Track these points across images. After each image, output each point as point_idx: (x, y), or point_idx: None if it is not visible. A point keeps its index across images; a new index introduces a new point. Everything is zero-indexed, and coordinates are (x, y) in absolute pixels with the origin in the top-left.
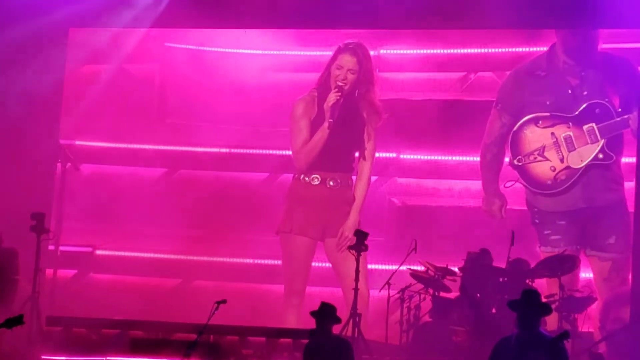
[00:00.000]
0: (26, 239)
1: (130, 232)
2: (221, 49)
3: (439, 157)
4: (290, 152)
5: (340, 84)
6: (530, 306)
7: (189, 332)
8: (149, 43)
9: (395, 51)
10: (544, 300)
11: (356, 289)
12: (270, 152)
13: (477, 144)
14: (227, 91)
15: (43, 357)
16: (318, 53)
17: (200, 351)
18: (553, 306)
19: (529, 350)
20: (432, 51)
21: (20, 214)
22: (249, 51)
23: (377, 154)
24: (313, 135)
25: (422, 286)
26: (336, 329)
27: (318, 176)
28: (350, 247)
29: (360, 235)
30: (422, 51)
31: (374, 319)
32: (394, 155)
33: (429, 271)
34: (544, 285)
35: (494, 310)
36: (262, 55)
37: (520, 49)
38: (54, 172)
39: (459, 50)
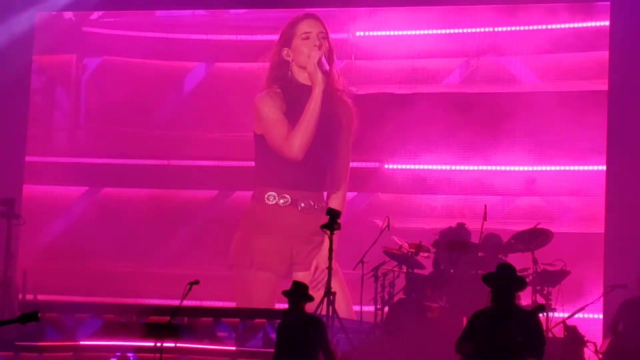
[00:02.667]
0: None
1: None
2: (154, 34)
3: (432, 167)
4: (254, 163)
5: (317, 51)
6: (504, 280)
7: (163, 315)
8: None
9: (373, 33)
10: (518, 274)
11: (329, 268)
12: (218, 163)
13: (480, 149)
14: (159, 88)
15: (16, 343)
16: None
17: (174, 333)
18: (527, 280)
19: (504, 323)
20: (420, 32)
21: None
22: (187, 36)
23: (354, 164)
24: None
25: (395, 263)
26: (310, 308)
27: (288, 196)
28: (322, 226)
29: (333, 214)
30: (406, 32)
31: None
32: (376, 165)
33: (402, 248)
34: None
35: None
36: (200, 41)
37: (538, 26)
38: (24, 158)
39: (455, 31)
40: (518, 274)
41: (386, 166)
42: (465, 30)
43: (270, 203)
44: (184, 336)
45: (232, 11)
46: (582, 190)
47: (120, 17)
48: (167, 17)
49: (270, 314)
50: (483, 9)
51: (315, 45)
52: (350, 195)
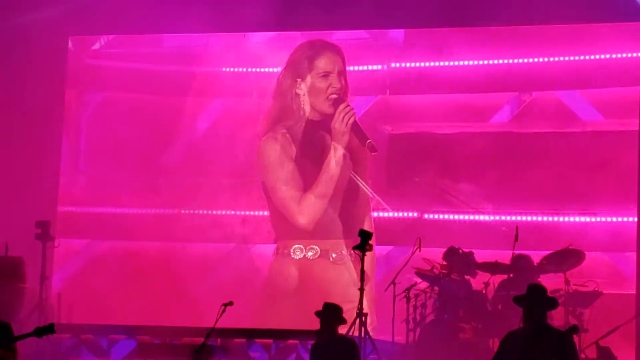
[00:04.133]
0: (32, 248)
1: None
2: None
3: (481, 217)
4: (268, 213)
5: (334, 96)
6: (536, 300)
7: (197, 336)
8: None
9: (410, 64)
10: (549, 295)
11: (361, 289)
12: (228, 212)
13: (534, 195)
14: (168, 127)
15: None
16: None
17: (208, 354)
18: (559, 301)
19: (537, 345)
20: (464, 63)
21: (25, 222)
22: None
23: (393, 214)
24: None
25: (427, 284)
26: (343, 330)
27: (317, 247)
28: (354, 248)
29: (365, 235)
30: (448, 63)
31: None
32: (415, 214)
33: (434, 269)
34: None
35: (499, 306)
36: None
37: (601, 56)
38: (58, 180)
39: (505, 61)
40: (550, 294)
41: (426, 216)
42: (516, 61)
43: (297, 257)
44: (217, 357)
45: (248, 39)
46: None
47: (124, 48)
48: (177, 47)
49: (303, 335)
50: (537, 34)
51: (348, 108)
52: (385, 249)
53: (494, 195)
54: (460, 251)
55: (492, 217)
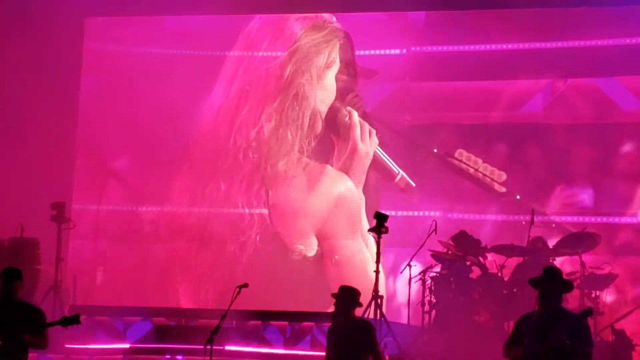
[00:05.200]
0: (47, 229)
1: None
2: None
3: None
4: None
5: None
6: (551, 283)
7: (212, 318)
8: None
9: (433, 47)
10: (565, 277)
11: (377, 271)
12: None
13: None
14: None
15: (67, 345)
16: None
17: (223, 336)
18: (575, 284)
19: (551, 327)
20: (491, 46)
21: (41, 204)
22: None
23: (409, 213)
24: None
25: (442, 267)
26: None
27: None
28: (370, 230)
29: (380, 218)
30: (475, 46)
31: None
32: (437, 214)
33: (450, 251)
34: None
35: (515, 289)
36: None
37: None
38: (74, 162)
39: (540, 44)
40: (566, 277)
41: (449, 215)
42: (549, 44)
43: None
44: (233, 339)
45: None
46: None
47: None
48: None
49: (318, 317)
50: (573, 15)
51: (370, 132)
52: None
53: (524, 193)
54: (471, 237)
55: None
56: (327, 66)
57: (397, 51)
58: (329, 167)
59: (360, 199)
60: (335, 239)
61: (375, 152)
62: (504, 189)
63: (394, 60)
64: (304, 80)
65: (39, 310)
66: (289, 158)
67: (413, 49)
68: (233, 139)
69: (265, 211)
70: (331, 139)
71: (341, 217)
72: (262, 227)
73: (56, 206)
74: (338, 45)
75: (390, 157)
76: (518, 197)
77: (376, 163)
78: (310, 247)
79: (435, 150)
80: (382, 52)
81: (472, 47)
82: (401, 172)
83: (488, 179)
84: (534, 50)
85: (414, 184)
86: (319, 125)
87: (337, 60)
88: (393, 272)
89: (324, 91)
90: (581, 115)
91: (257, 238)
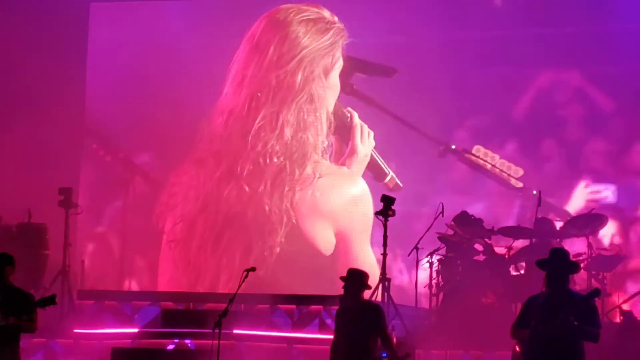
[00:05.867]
0: (55, 214)
1: None
2: None
3: None
4: None
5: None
6: (558, 265)
7: (220, 302)
8: None
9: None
10: (572, 259)
11: (384, 254)
12: None
13: None
14: None
15: (75, 330)
16: None
17: (231, 320)
18: (582, 265)
19: (559, 308)
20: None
21: (48, 189)
22: None
23: None
24: None
25: (450, 249)
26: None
27: None
28: (377, 213)
29: (387, 200)
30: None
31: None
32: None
33: (456, 234)
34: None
35: (522, 271)
36: None
37: None
38: (81, 147)
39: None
40: (573, 258)
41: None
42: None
43: None
44: (241, 323)
45: None
46: None
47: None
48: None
49: (326, 300)
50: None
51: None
52: None
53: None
54: (472, 217)
55: None
56: (333, 66)
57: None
58: (345, 168)
59: (371, 203)
60: (350, 239)
61: (372, 153)
62: (520, 184)
63: (402, 49)
64: (316, 85)
65: (28, 295)
66: (313, 160)
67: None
68: (251, 145)
69: (291, 212)
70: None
71: (356, 218)
72: (288, 227)
73: (63, 191)
74: (341, 43)
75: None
76: (535, 192)
77: (370, 163)
78: (330, 247)
79: (453, 147)
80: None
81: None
82: (391, 172)
83: (505, 174)
84: (552, 38)
85: (401, 185)
86: (333, 125)
87: (341, 58)
88: (400, 254)
89: (332, 90)
90: (601, 108)
91: (283, 240)
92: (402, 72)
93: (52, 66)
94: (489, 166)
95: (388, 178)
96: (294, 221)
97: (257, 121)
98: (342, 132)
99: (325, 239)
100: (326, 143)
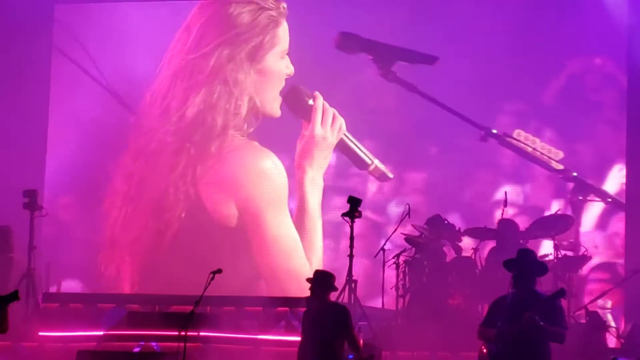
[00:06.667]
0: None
1: None
2: None
3: None
4: None
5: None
6: (525, 265)
7: (186, 304)
8: None
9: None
10: (539, 259)
11: (351, 255)
12: None
13: None
14: None
15: (40, 333)
16: None
17: (197, 322)
18: (548, 266)
19: (525, 309)
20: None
21: (13, 191)
22: None
23: None
24: None
25: (416, 250)
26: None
27: None
28: (344, 214)
29: (354, 202)
30: None
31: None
32: None
33: (423, 235)
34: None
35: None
36: None
37: None
38: (45, 149)
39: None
40: (539, 259)
41: None
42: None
43: None
44: (207, 325)
45: None
46: None
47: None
48: None
49: (292, 302)
50: None
51: (335, 118)
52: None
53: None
54: (445, 221)
55: None
56: (262, 51)
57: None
58: (255, 143)
59: (284, 177)
60: (259, 212)
61: (344, 139)
62: (561, 166)
63: (442, 37)
64: (233, 68)
65: None
66: (221, 139)
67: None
68: (159, 124)
69: (190, 189)
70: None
71: (265, 192)
72: (187, 203)
73: (28, 194)
74: (279, 29)
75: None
76: (575, 174)
77: (347, 150)
78: (232, 218)
79: (494, 131)
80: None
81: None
82: (376, 161)
83: (546, 157)
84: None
85: (391, 175)
86: (262, 109)
87: (278, 44)
88: (367, 256)
89: (261, 75)
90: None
91: (183, 215)
92: (443, 59)
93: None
94: (529, 149)
95: (372, 167)
96: (193, 198)
97: (168, 101)
98: (305, 115)
99: (225, 211)
100: (255, 125)
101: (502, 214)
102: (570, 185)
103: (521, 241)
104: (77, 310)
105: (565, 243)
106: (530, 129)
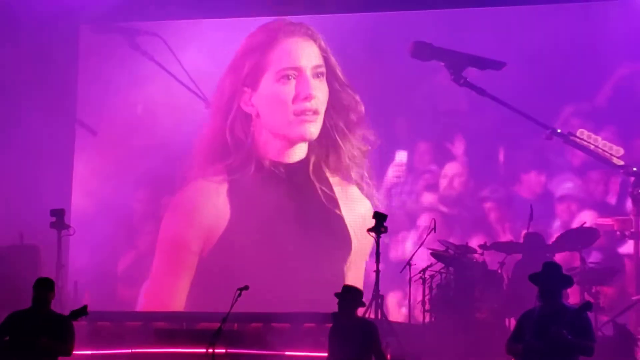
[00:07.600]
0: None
1: None
2: None
3: None
4: None
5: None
6: (551, 279)
7: (213, 321)
8: None
9: None
10: (565, 272)
11: (377, 271)
12: None
13: None
14: None
15: None
16: None
17: (224, 339)
18: (575, 279)
19: (552, 323)
20: None
21: (40, 211)
22: None
23: None
24: None
25: (442, 265)
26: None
27: None
28: (369, 230)
29: (379, 217)
30: None
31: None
32: None
33: (449, 250)
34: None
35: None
36: None
37: None
38: (72, 168)
39: None
40: (566, 272)
41: None
42: None
43: None
44: (234, 342)
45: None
46: None
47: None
48: None
49: (320, 318)
50: None
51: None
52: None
53: None
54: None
55: None
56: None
57: None
58: None
59: None
60: None
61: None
62: (622, 162)
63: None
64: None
65: (67, 320)
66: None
67: None
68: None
69: None
70: None
71: None
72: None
73: (55, 213)
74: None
75: None
76: (635, 169)
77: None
78: None
79: (559, 131)
80: None
81: None
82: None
83: (607, 154)
84: None
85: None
86: None
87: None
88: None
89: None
90: None
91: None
92: (510, 64)
93: (42, 85)
94: (592, 147)
95: None
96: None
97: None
98: None
99: None
100: None
101: (528, 227)
102: (632, 179)
103: (547, 254)
104: (104, 328)
105: None
106: (589, 128)
